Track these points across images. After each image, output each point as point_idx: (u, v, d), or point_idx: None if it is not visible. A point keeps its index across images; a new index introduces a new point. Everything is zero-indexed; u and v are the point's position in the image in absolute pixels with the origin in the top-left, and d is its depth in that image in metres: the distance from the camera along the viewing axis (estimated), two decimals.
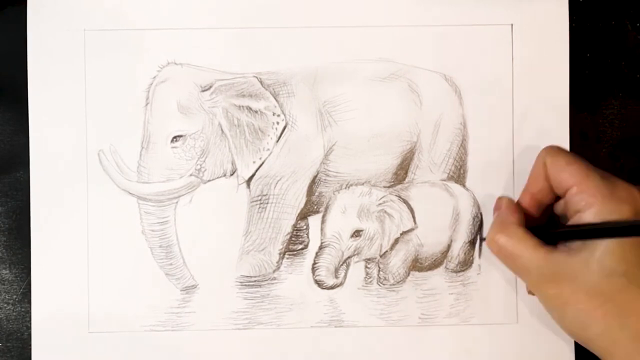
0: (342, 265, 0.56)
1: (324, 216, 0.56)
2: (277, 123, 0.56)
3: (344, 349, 0.56)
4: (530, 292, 0.52)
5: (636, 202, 0.46)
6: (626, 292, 0.45)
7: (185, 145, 0.56)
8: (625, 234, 0.45)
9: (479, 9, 0.56)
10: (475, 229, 0.56)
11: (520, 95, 0.56)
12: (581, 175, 0.48)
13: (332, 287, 0.56)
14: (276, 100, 0.56)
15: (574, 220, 0.48)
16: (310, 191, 0.57)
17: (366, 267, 0.56)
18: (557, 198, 0.51)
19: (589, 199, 0.47)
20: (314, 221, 0.57)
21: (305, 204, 0.57)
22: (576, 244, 0.47)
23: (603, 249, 0.45)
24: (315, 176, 0.57)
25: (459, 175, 0.57)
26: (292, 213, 0.57)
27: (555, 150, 0.51)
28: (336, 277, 0.56)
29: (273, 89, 0.56)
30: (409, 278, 0.56)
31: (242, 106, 0.56)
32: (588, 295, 0.45)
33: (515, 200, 0.54)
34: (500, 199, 0.54)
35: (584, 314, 0.45)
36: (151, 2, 0.56)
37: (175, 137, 0.56)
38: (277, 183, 0.56)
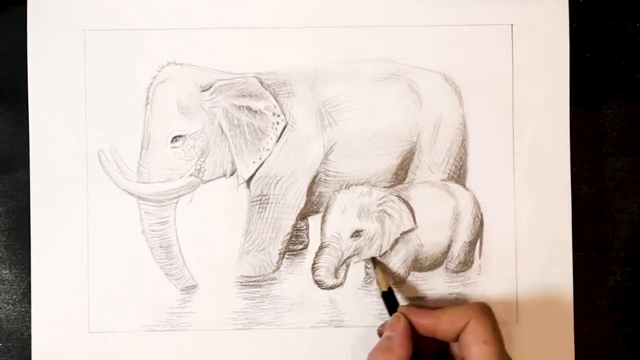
0: (342, 265, 0.56)
1: (324, 216, 0.56)
2: (277, 123, 0.56)
3: (344, 349, 0.56)
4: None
5: None
6: None
7: (185, 145, 0.56)
8: None
9: (479, 9, 0.56)
10: (476, 229, 0.56)
11: (520, 95, 0.56)
12: None
13: (332, 287, 0.56)
14: (276, 100, 0.56)
15: None
16: (310, 191, 0.57)
17: (366, 267, 0.56)
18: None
19: None
20: (314, 221, 0.57)
21: (305, 204, 0.57)
22: None
23: None
24: (315, 176, 0.57)
25: (459, 175, 0.57)
26: (292, 213, 0.57)
27: (484, 315, 0.49)
28: (336, 277, 0.56)
29: (273, 89, 0.56)
30: (409, 278, 0.56)
31: (242, 106, 0.56)
32: None
33: (413, 315, 0.51)
34: (397, 319, 0.51)
35: None
36: (151, 2, 0.56)
37: (175, 137, 0.56)
38: (277, 183, 0.56)
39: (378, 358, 0.49)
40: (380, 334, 0.54)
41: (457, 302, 0.55)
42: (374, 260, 0.56)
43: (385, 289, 0.54)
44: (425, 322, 0.50)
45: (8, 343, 0.56)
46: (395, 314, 0.52)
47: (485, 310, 0.49)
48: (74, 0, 0.56)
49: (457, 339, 0.49)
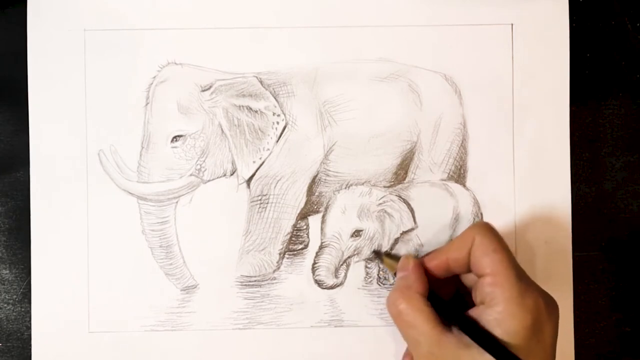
0: (342, 265, 0.56)
1: (324, 216, 0.56)
2: (277, 123, 0.56)
3: (344, 349, 0.56)
4: (408, 355, 0.52)
5: (539, 313, 0.46)
6: None
7: (185, 145, 0.56)
8: None
9: (479, 9, 0.56)
10: None
11: (521, 95, 0.56)
12: (500, 268, 0.47)
13: (332, 287, 0.56)
14: (276, 100, 0.56)
15: (477, 311, 0.47)
16: (310, 191, 0.57)
17: (366, 267, 0.56)
18: (468, 270, 0.50)
19: (497, 296, 0.46)
20: (314, 221, 0.57)
21: (305, 204, 0.57)
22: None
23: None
24: (315, 176, 0.57)
25: (459, 175, 0.57)
26: (292, 213, 0.57)
27: (486, 230, 0.49)
28: (336, 277, 0.56)
29: (273, 89, 0.56)
30: None
31: (242, 106, 0.56)
32: None
33: (422, 260, 0.51)
34: (407, 259, 0.51)
35: None
36: (151, 2, 0.56)
37: (175, 137, 0.56)
38: (277, 183, 0.56)
39: (398, 297, 0.49)
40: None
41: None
42: (376, 253, 0.56)
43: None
44: (437, 261, 0.50)
45: (8, 343, 0.56)
46: (403, 255, 0.52)
47: (486, 226, 0.49)
48: (74, 1, 0.56)
49: (469, 267, 0.49)
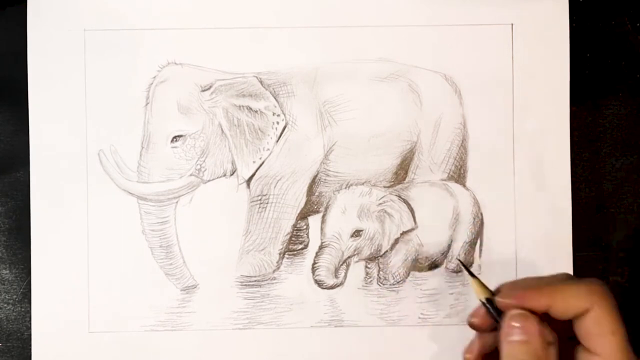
0: (342, 265, 0.56)
1: (324, 216, 0.56)
2: (277, 123, 0.56)
3: (344, 349, 0.56)
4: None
5: None
6: None
7: (185, 145, 0.56)
8: None
9: (479, 9, 0.56)
10: (476, 229, 0.56)
11: (521, 95, 0.56)
12: (613, 353, 0.42)
13: (332, 287, 0.56)
14: (276, 100, 0.56)
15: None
16: (310, 191, 0.57)
17: (366, 267, 0.56)
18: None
19: None
20: (314, 221, 0.57)
21: (305, 204, 0.57)
22: None
23: None
24: (315, 176, 0.57)
25: (459, 175, 0.57)
26: (292, 213, 0.57)
27: (609, 304, 0.42)
28: (336, 277, 0.56)
29: (273, 89, 0.56)
30: (409, 278, 0.56)
31: (242, 106, 0.56)
32: None
33: (520, 294, 0.44)
34: (526, 320, 0.43)
35: None
36: (151, 2, 0.56)
37: (175, 137, 0.56)
38: (277, 183, 0.56)
39: None
40: (471, 326, 0.47)
41: (570, 280, 0.46)
42: (468, 271, 0.49)
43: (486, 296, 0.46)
44: (539, 305, 0.43)
45: (8, 343, 0.56)
46: (521, 312, 0.43)
47: (609, 295, 0.43)
48: (74, 1, 0.56)
49: (571, 328, 0.44)
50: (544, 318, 0.43)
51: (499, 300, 0.44)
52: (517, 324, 0.43)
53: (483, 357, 0.47)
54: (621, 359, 0.42)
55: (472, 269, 0.56)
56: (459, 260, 0.55)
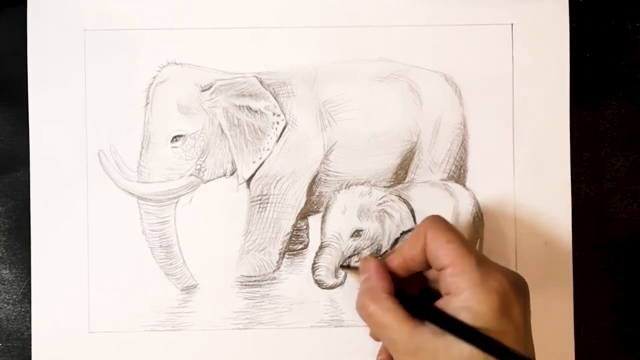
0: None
1: (324, 216, 0.56)
2: (277, 123, 0.56)
3: (344, 349, 0.56)
4: (373, 337, 0.52)
5: (505, 293, 0.45)
6: None
7: (185, 145, 0.56)
8: (481, 347, 0.44)
9: (479, 9, 0.56)
10: (476, 229, 0.56)
11: (521, 95, 0.56)
12: (457, 256, 0.46)
13: (332, 287, 0.56)
14: (276, 100, 0.56)
15: (444, 301, 0.47)
16: (310, 191, 0.57)
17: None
18: (429, 266, 0.50)
19: (460, 284, 0.45)
20: (314, 221, 0.57)
21: (305, 204, 0.57)
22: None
23: None
24: (315, 176, 0.57)
25: (459, 175, 0.57)
26: (292, 213, 0.57)
27: (437, 223, 0.48)
28: (336, 277, 0.56)
29: (273, 88, 0.56)
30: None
31: (242, 106, 0.56)
32: None
33: (383, 261, 0.50)
34: (366, 261, 0.50)
35: None
36: (151, 2, 0.56)
37: (175, 137, 0.56)
38: (277, 183, 0.56)
39: (365, 300, 0.48)
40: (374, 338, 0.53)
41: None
42: (343, 267, 0.56)
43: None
44: (396, 262, 0.50)
45: (8, 343, 0.56)
46: (362, 258, 0.52)
47: (436, 219, 0.49)
48: (74, 0, 0.56)
49: (428, 263, 0.49)
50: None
51: (367, 262, 0.51)
52: (361, 266, 0.51)
53: None
54: (463, 258, 0.46)
55: None
56: (342, 265, 0.56)
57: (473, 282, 0.45)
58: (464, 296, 0.45)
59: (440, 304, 0.47)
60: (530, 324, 0.47)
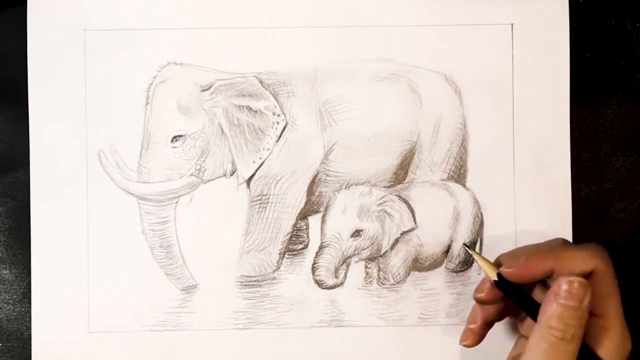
0: (342, 265, 0.56)
1: (324, 216, 0.56)
2: (277, 123, 0.56)
3: (344, 349, 0.56)
4: None
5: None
6: None
7: (185, 145, 0.56)
8: None
9: (479, 9, 0.56)
10: (476, 229, 0.56)
11: (521, 95, 0.56)
12: (613, 313, 0.45)
13: (332, 287, 0.56)
14: (276, 100, 0.56)
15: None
16: (310, 191, 0.57)
17: (366, 267, 0.56)
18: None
19: (601, 340, 0.44)
20: (314, 221, 0.57)
21: (305, 204, 0.57)
22: None
23: None
24: (315, 176, 0.57)
25: (459, 175, 0.57)
26: (292, 213, 0.57)
27: (609, 264, 0.45)
28: (336, 277, 0.56)
29: (273, 88, 0.56)
30: (409, 278, 0.56)
31: (242, 106, 0.56)
32: None
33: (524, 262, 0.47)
34: (584, 287, 0.43)
35: None
36: (151, 2, 0.56)
37: (175, 137, 0.56)
38: (277, 183, 0.56)
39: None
40: (478, 301, 0.49)
41: (570, 245, 0.48)
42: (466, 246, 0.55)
43: (495, 278, 0.48)
44: (543, 270, 0.45)
45: (8, 343, 0.56)
46: (580, 280, 0.43)
47: (608, 258, 0.45)
48: (74, 0, 0.56)
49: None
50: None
51: (504, 270, 0.46)
52: (571, 289, 0.43)
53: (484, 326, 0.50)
54: (620, 319, 0.45)
55: (472, 269, 0.56)
56: (465, 244, 0.55)
57: (615, 346, 0.45)
58: (605, 353, 0.45)
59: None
60: None
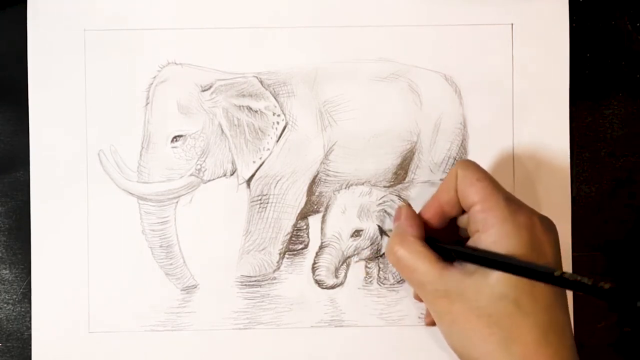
0: (342, 265, 0.56)
1: (324, 216, 0.56)
2: (277, 123, 0.56)
3: (344, 349, 0.56)
4: (417, 298, 0.53)
5: (534, 229, 0.45)
6: (514, 318, 0.44)
7: (186, 145, 0.56)
8: (516, 272, 0.44)
9: (479, 9, 0.56)
10: None
11: (520, 95, 0.56)
12: (486, 194, 0.47)
13: (332, 287, 0.56)
14: (276, 100, 0.56)
15: (473, 239, 0.47)
16: (311, 191, 0.57)
17: (366, 267, 0.56)
18: (463, 211, 0.50)
19: (489, 220, 0.46)
20: (314, 221, 0.57)
21: (306, 204, 0.57)
22: (471, 265, 0.46)
23: (497, 274, 0.45)
24: (316, 176, 0.57)
25: None
26: (292, 213, 0.57)
27: (468, 164, 0.49)
28: (336, 277, 0.56)
29: (273, 88, 0.56)
30: None
31: (242, 106, 0.56)
32: (477, 316, 0.45)
33: (421, 212, 0.52)
34: (399, 208, 0.52)
35: (471, 334, 0.45)
36: (151, 2, 0.56)
37: (175, 137, 0.56)
38: (277, 183, 0.56)
39: (395, 244, 0.49)
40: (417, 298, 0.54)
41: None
42: (380, 228, 0.57)
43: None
44: (432, 209, 0.50)
45: (8, 343, 0.56)
46: (397, 206, 0.54)
47: (467, 160, 0.50)
48: (74, 0, 0.56)
49: (460, 204, 0.49)
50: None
51: (400, 209, 0.52)
52: (395, 213, 0.52)
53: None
54: (493, 194, 0.46)
55: None
56: (378, 226, 0.57)
57: (502, 218, 0.45)
58: (494, 231, 0.46)
59: (470, 243, 0.47)
60: (561, 263, 0.47)
